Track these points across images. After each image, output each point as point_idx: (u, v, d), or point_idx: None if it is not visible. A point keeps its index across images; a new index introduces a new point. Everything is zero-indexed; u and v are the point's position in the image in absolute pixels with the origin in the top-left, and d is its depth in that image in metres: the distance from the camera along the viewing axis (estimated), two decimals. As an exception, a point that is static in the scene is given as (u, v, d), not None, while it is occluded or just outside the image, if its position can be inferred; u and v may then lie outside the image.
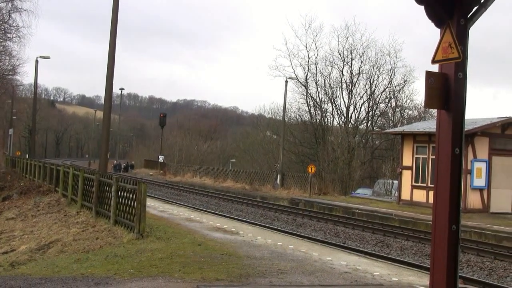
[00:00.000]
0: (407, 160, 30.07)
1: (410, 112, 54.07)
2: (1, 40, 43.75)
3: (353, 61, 51.83)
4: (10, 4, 39.94)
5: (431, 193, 26.45)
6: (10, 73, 50.67)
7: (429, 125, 30.47)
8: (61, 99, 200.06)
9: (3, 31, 42.21)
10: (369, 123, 54.24)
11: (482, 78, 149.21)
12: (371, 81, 51.93)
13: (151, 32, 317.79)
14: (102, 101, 28.73)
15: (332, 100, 52.65)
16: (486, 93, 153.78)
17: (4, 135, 65.84)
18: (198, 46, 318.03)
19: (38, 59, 44.42)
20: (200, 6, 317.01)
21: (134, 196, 12.98)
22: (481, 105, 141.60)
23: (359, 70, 51.92)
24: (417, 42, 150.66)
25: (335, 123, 53.52)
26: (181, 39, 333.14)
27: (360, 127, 53.63)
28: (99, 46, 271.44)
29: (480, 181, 26.82)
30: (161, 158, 67.01)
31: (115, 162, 78.33)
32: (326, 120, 53.17)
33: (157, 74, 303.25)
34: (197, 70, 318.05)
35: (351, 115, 52.57)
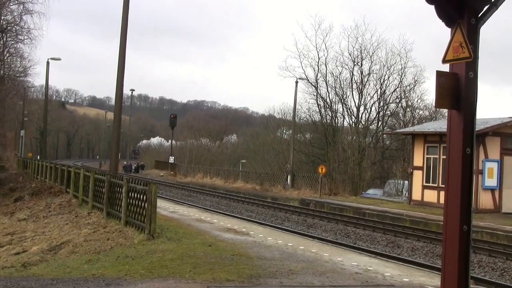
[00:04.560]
0: (418, 160, 29.94)
1: (420, 112, 53.85)
2: (13, 42, 44.12)
3: (363, 61, 51.71)
4: (21, 7, 40.29)
5: (442, 194, 26.34)
6: (22, 74, 51.07)
7: (440, 125, 30.33)
8: (72, 101, 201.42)
9: (14, 33, 42.57)
10: (380, 123, 54.07)
11: (500, 77, 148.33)
12: (382, 81, 51.78)
13: (161, 32, 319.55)
14: (113, 102, 28.84)
15: (342, 101, 52.58)
16: (505, 91, 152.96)
17: (15, 136, 66.23)
18: (208, 47, 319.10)
19: (49, 60, 44.63)
20: (213, 7, 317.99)
21: (144, 197, 13.02)
22: (502, 104, 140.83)
23: (369, 70, 51.81)
24: (429, 40, 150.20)
25: (345, 123, 53.43)
26: (191, 39, 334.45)
27: (370, 127, 53.45)
28: (109, 47, 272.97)
29: (491, 181, 26.66)
30: (171, 159, 67.15)
31: (125, 163, 78.57)
32: (336, 120, 53.08)
33: (167, 75, 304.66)
34: (208, 71, 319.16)
35: (361, 115, 52.49)
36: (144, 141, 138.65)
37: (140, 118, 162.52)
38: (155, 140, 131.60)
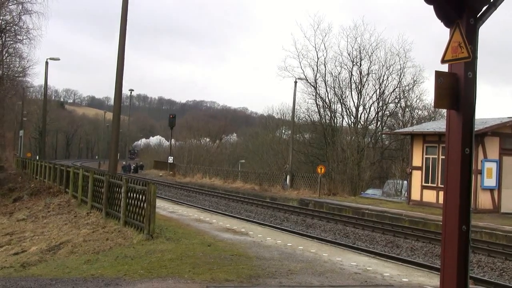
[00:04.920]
0: (417, 160, 29.95)
1: (419, 112, 53.80)
2: (12, 42, 44.11)
3: (362, 61, 51.65)
4: (20, 7, 40.30)
5: (441, 194, 26.34)
6: (21, 75, 51.06)
7: (439, 125, 30.34)
8: (71, 101, 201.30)
9: (13, 33, 42.57)
10: (379, 123, 54.06)
11: (500, 77, 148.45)
12: (381, 81, 51.74)
13: (161, 32, 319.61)
14: (112, 102, 28.80)
15: (341, 101, 52.55)
16: (504, 91, 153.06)
17: (14, 136, 66.17)
18: (208, 47, 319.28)
19: (48, 60, 44.48)
20: (213, 7, 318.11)
21: (143, 197, 13.01)
22: (501, 104, 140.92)
23: (368, 70, 51.78)
24: (428, 40, 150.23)
25: (344, 123, 53.43)
26: (191, 39, 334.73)
27: (369, 127, 53.42)
28: (109, 47, 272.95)
29: (490, 181, 26.67)
30: (170, 159, 67.11)
31: (124, 163, 78.54)
32: (335, 120, 53.08)
33: (167, 75, 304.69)
34: (208, 71, 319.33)
35: (360, 116, 52.46)
36: (143, 140, 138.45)
37: (139, 118, 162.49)
38: (154, 139, 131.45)
